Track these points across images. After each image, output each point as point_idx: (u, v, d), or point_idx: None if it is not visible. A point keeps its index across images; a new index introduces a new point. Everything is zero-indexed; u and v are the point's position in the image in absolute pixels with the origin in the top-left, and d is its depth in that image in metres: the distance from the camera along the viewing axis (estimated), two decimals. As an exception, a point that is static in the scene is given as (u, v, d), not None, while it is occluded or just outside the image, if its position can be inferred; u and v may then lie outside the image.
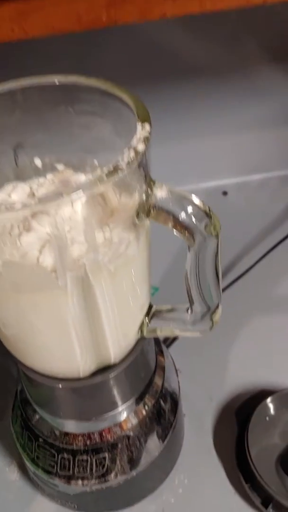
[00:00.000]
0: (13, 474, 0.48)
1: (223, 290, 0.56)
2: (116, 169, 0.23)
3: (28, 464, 0.41)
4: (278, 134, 0.75)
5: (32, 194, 0.31)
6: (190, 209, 0.26)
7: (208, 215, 0.26)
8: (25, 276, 0.26)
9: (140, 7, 0.31)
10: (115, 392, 0.37)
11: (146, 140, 0.25)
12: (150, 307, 0.35)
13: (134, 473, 0.40)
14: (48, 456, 0.39)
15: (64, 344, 0.31)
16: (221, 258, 0.29)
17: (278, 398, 0.48)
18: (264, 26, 0.63)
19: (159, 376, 0.42)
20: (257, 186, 0.78)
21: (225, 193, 0.77)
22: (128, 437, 0.39)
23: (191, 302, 0.32)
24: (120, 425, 0.39)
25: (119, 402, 0.38)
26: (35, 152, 0.33)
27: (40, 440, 0.40)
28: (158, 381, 0.42)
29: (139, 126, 0.25)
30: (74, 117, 0.31)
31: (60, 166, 0.33)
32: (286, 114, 0.73)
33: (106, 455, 0.39)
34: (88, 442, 0.39)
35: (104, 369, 0.34)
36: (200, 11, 0.31)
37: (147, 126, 0.25)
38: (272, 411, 0.48)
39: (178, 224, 0.26)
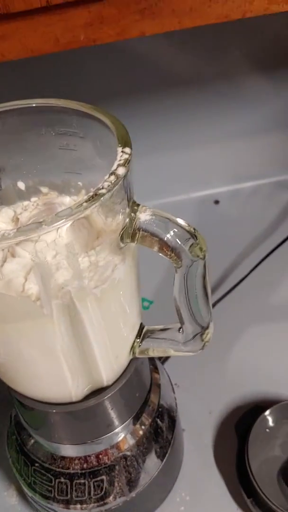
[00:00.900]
0: (12, 498, 0.47)
1: (217, 301, 0.56)
2: (97, 195, 0.23)
3: (25, 489, 0.41)
4: (267, 141, 0.75)
5: (16, 219, 0.31)
6: (175, 230, 0.26)
7: (193, 236, 0.26)
8: (8, 306, 0.26)
9: (119, 27, 0.31)
10: (110, 413, 0.36)
11: (127, 163, 0.24)
12: (141, 327, 0.35)
13: (133, 494, 0.39)
14: (45, 481, 0.39)
15: (54, 370, 0.30)
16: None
17: (277, 410, 0.47)
18: (245, 37, 0.63)
19: (154, 394, 0.42)
20: (249, 194, 0.77)
21: (217, 202, 0.76)
22: (126, 458, 0.39)
23: (181, 322, 0.31)
24: (117, 446, 0.39)
25: (115, 423, 0.37)
26: (18, 175, 0.33)
27: (36, 465, 0.39)
28: (154, 399, 0.41)
29: (119, 149, 0.25)
30: (55, 139, 0.30)
31: (44, 189, 0.33)
32: (274, 121, 0.73)
33: (104, 477, 0.38)
34: (85, 466, 0.38)
35: (97, 391, 0.34)
36: (179, 28, 0.31)
37: (127, 150, 0.25)
38: (271, 423, 0.47)
39: (164, 246, 0.26)
